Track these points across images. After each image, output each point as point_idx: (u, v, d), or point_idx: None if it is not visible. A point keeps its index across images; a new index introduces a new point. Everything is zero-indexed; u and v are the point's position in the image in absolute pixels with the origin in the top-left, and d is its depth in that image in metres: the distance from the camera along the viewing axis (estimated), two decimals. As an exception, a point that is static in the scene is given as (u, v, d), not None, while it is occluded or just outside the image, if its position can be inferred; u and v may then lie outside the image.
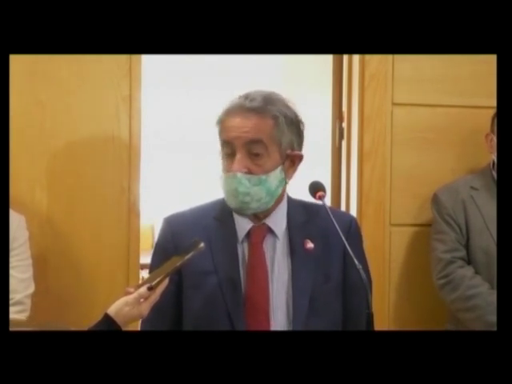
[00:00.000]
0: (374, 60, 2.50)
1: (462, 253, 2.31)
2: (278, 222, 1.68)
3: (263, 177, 1.59)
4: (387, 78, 2.52)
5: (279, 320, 1.62)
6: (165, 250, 1.65)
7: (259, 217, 1.67)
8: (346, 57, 2.60)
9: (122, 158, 2.34)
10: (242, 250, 1.66)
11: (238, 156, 1.58)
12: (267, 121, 1.59)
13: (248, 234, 1.66)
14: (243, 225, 1.67)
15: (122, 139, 2.34)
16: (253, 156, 1.58)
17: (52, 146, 2.30)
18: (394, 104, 2.53)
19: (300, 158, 1.67)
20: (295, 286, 1.63)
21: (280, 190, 1.65)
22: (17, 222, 2.02)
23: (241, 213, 1.65)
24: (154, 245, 1.74)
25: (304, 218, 1.70)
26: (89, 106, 2.33)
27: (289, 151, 1.64)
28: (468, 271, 2.28)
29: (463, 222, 2.32)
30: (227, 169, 1.61)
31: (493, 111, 2.34)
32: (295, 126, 1.65)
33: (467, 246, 2.31)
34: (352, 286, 1.65)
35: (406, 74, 2.53)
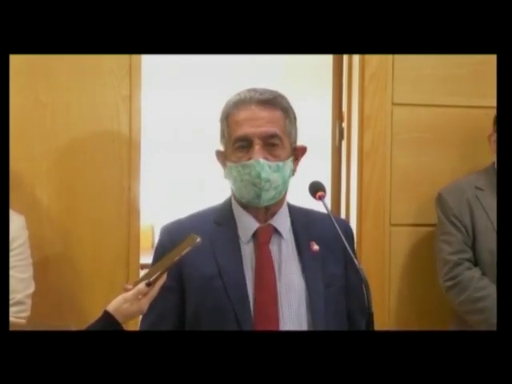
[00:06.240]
0: (374, 60, 2.50)
1: (469, 254, 2.28)
2: (283, 222, 1.69)
3: (280, 164, 1.61)
4: (387, 78, 2.52)
5: (288, 321, 1.61)
6: None
7: (265, 217, 1.67)
8: (345, 57, 2.60)
9: (121, 157, 2.34)
10: (247, 251, 1.65)
11: (257, 147, 1.59)
12: (279, 113, 1.63)
13: (254, 235, 1.66)
14: (249, 226, 1.66)
15: (121, 139, 2.34)
16: (269, 146, 1.60)
17: (52, 146, 2.30)
18: (393, 104, 2.53)
19: (304, 150, 1.70)
20: (310, 288, 1.63)
21: (289, 181, 1.66)
22: (17, 222, 2.02)
23: (255, 204, 1.63)
24: (153, 253, 1.70)
25: (305, 220, 1.71)
26: (89, 105, 2.33)
27: (294, 145, 1.67)
28: (476, 273, 2.25)
29: (469, 223, 2.29)
30: (243, 159, 1.60)
31: (494, 111, 2.33)
32: (296, 119, 1.69)
33: (473, 247, 2.29)
34: (352, 287, 1.66)
35: (406, 73, 2.53)
